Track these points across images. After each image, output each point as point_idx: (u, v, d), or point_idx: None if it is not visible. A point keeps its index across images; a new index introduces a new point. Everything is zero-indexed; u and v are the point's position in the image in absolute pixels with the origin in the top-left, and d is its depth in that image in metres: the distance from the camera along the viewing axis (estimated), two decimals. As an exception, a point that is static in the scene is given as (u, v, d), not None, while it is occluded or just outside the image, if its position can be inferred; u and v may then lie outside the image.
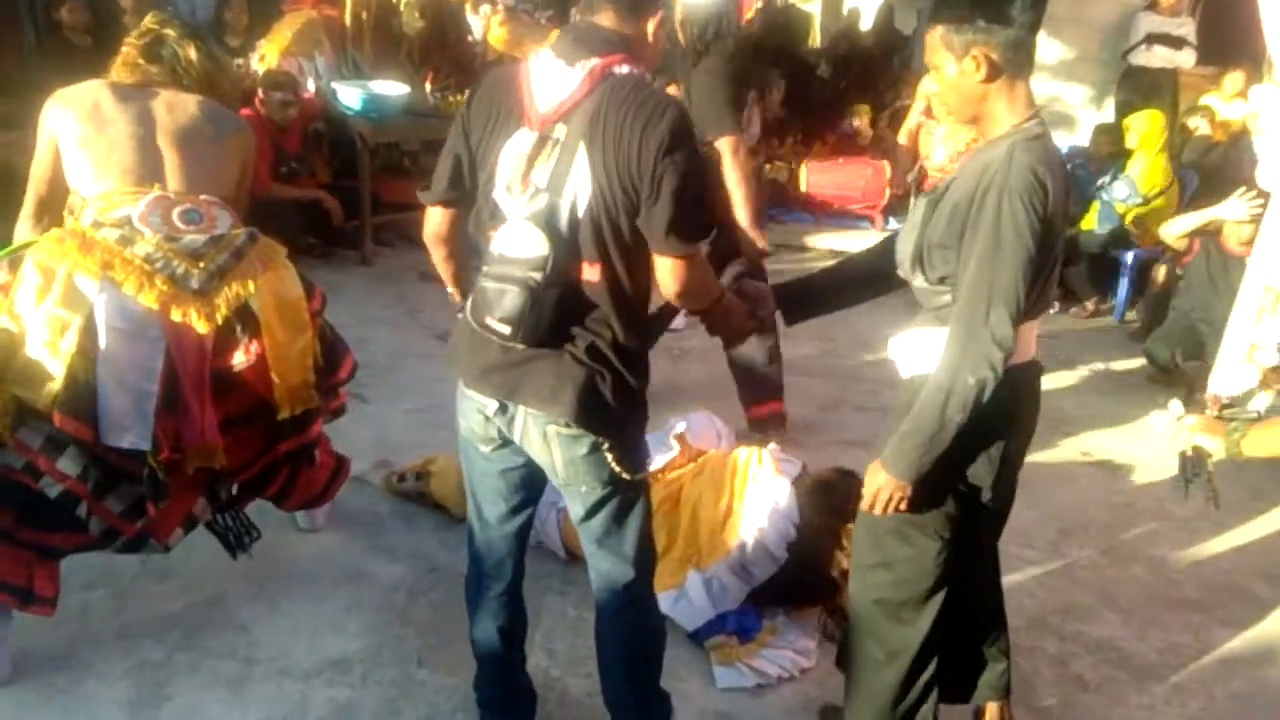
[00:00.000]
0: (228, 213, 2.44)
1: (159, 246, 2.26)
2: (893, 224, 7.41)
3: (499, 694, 2.28)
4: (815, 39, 12.91)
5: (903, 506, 1.92)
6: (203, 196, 2.40)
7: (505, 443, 1.98)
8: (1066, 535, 3.37)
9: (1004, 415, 1.91)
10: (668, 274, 1.82)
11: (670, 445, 3.17)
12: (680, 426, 3.26)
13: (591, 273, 1.79)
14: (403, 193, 6.22)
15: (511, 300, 1.73)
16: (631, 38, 1.82)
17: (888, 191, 6.66)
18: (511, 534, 2.14)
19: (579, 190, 1.75)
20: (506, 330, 1.77)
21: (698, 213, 1.80)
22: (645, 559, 2.09)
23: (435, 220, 2.02)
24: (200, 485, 2.47)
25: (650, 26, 1.86)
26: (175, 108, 2.46)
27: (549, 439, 1.89)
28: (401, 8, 6.29)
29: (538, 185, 1.76)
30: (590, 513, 1.99)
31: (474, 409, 1.96)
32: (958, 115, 1.89)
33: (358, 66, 6.21)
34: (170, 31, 2.54)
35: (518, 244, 1.75)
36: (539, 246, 1.73)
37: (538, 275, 1.73)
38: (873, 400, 4.55)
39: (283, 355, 2.41)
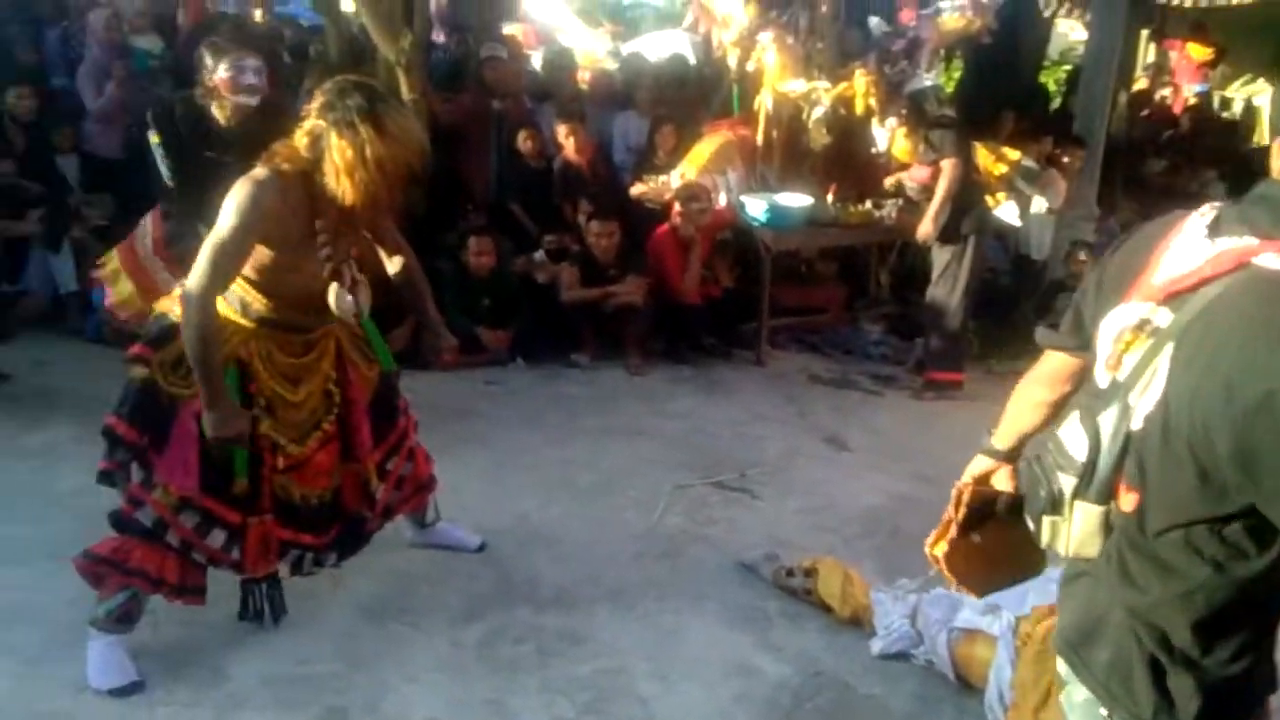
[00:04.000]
0: None
1: None
2: None
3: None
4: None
5: None
6: None
7: None
8: None
9: None
10: None
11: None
12: None
13: (1127, 501, 1.37)
14: (799, 297, 6.49)
15: (1037, 501, 1.47)
16: None
17: None
18: None
19: (1146, 397, 1.33)
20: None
21: None
22: None
23: (1046, 363, 1.69)
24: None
25: None
26: None
27: None
28: (810, 125, 6.63)
29: (1117, 377, 1.38)
30: None
31: None
32: None
33: (766, 181, 6.62)
34: None
35: (1070, 437, 1.42)
36: (1080, 449, 1.40)
37: (1069, 482, 1.41)
38: None
39: None
